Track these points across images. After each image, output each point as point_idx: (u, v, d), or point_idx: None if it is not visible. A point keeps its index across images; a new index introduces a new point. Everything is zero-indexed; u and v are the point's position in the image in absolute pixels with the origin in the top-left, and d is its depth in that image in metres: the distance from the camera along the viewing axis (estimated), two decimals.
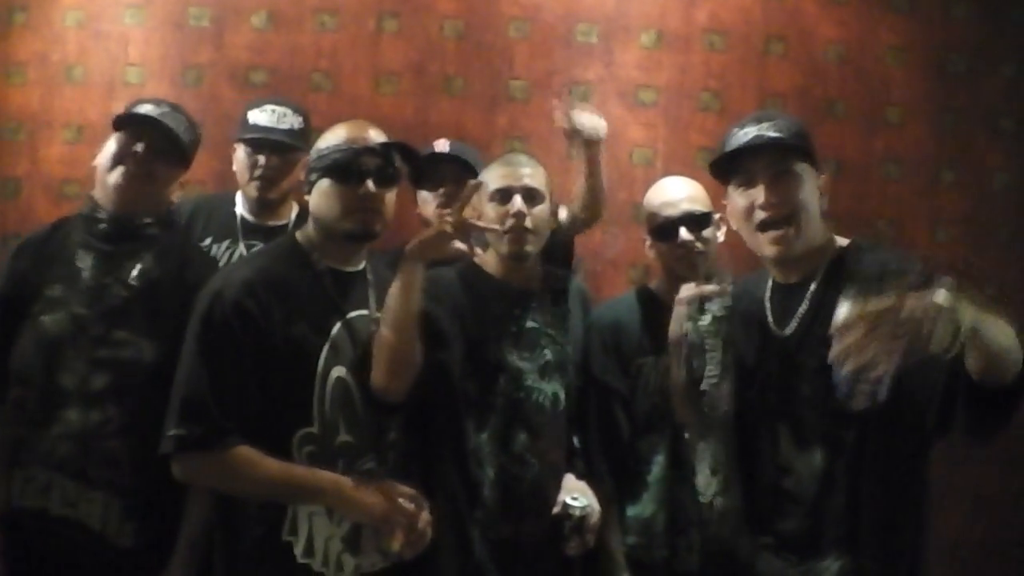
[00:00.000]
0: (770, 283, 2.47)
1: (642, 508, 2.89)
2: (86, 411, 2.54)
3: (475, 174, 3.17)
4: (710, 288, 2.36)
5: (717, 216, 2.92)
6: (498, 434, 2.71)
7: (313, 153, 2.47)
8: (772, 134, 2.33)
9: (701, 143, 4.25)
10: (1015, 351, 1.97)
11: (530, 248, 2.76)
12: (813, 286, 2.36)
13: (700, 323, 2.38)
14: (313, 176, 2.44)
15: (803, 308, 2.36)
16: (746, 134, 2.36)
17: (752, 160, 2.34)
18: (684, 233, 2.87)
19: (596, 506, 2.75)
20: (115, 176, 2.65)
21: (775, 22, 4.31)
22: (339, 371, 2.36)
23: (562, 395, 2.82)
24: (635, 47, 4.26)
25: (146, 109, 2.74)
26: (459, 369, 2.68)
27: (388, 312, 2.35)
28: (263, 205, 3.33)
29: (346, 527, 2.34)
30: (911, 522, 2.31)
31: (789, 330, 2.38)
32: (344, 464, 2.35)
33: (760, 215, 2.33)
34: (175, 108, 2.82)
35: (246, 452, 2.25)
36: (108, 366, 2.56)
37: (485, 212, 2.78)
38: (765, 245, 2.34)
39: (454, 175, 3.21)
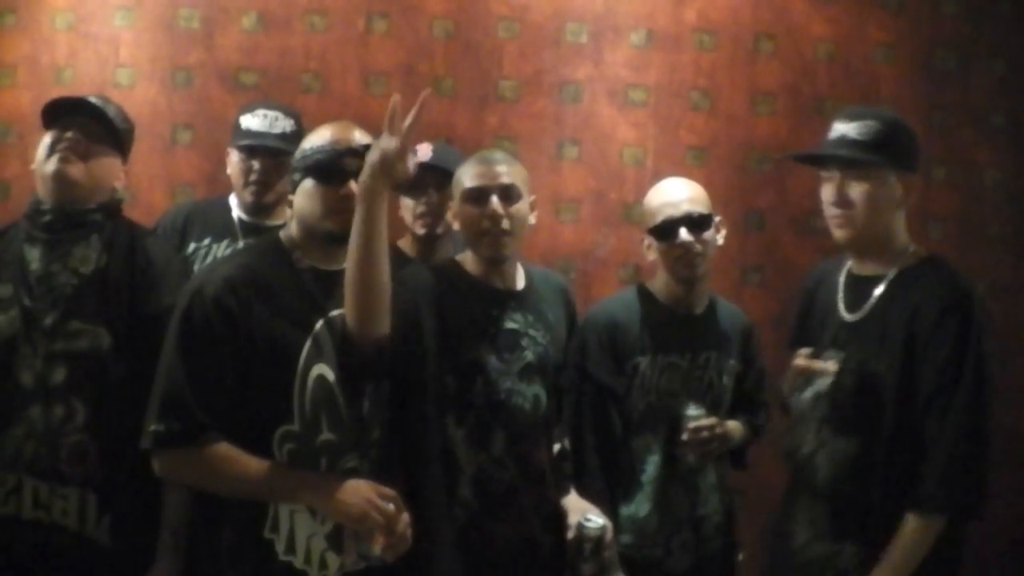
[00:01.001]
0: (846, 270, 2.69)
1: (636, 508, 2.88)
2: (49, 407, 2.51)
3: None
4: (819, 365, 2.56)
5: (717, 219, 2.93)
6: (475, 434, 2.69)
7: (297, 153, 2.47)
8: (854, 138, 2.52)
9: (691, 142, 4.26)
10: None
11: (508, 251, 2.73)
12: (882, 286, 2.56)
13: (804, 396, 2.59)
14: (296, 176, 2.44)
15: (870, 303, 2.56)
16: (835, 132, 2.57)
17: (830, 161, 2.56)
18: (684, 234, 2.85)
19: (609, 524, 2.73)
20: (50, 164, 2.61)
21: (764, 20, 4.32)
22: (320, 369, 2.35)
23: (544, 397, 2.79)
24: (624, 46, 4.27)
25: (65, 98, 2.72)
26: (437, 364, 2.66)
27: (352, 247, 2.30)
28: (259, 208, 3.33)
29: (329, 525, 2.32)
30: None
31: (855, 317, 2.59)
32: (327, 462, 2.34)
33: (830, 211, 2.57)
34: (104, 99, 2.78)
35: (225, 449, 2.24)
36: (65, 358, 2.52)
37: (461, 211, 2.75)
38: (833, 229, 2.58)
39: (436, 182, 3.17)
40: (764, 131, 4.29)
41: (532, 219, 2.81)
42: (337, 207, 2.37)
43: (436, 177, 3.14)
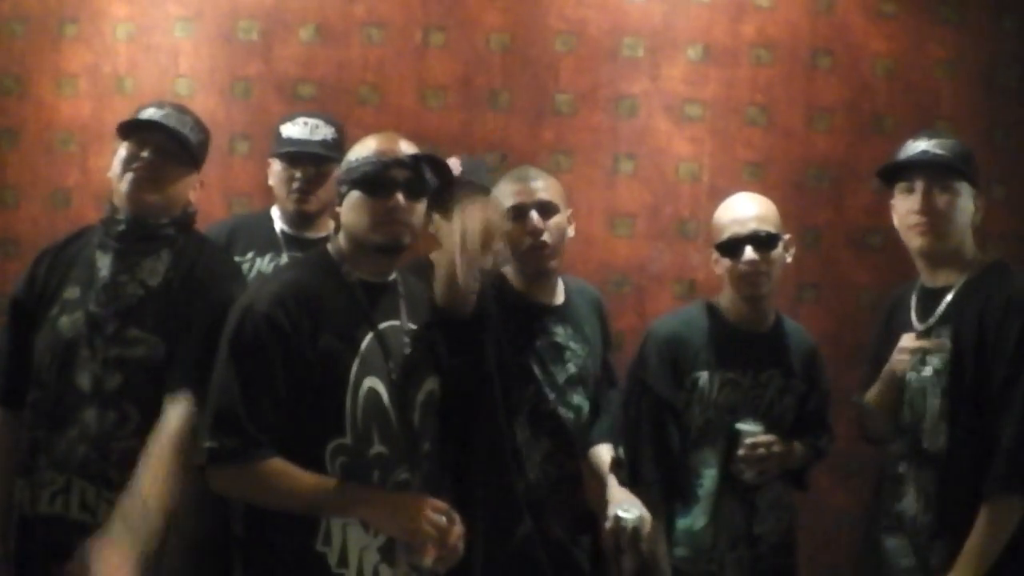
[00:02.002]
0: (918, 285, 2.83)
1: (692, 521, 2.89)
2: (103, 411, 2.55)
3: (485, 193, 3.19)
4: (932, 343, 2.68)
5: (786, 237, 2.92)
6: (522, 443, 2.80)
7: (343, 165, 2.47)
8: (937, 151, 2.72)
9: (748, 158, 4.23)
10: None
11: (551, 264, 2.84)
12: (952, 293, 2.71)
13: (923, 373, 2.70)
14: (343, 188, 2.43)
15: (941, 309, 2.71)
16: (915, 147, 2.76)
17: (915, 172, 2.74)
18: (749, 252, 2.86)
19: (647, 515, 2.77)
20: (125, 183, 2.66)
21: (822, 36, 4.28)
22: (371, 382, 2.36)
23: (585, 408, 2.93)
24: (682, 61, 4.25)
25: (148, 113, 2.75)
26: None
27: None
28: (302, 218, 3.34)
29: (382, 538, 2.34)
30: None
31: (927, 325, 2.73)
32: (379, 475, 2.35)
33: (913, 219, 2.73)
34: (179, 109, 2.82)
35: (279, 465, 2.25)
36: (122, 365, 2.56)
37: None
38: (913, 238, 2.75)
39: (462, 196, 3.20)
40: (821, 148, 4.25)
41: (571, 231, 2.89)
42: (384, 219, 2.38)
43: (464, 190, 3.17)
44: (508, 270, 2.92)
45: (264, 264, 3.31)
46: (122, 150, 2.71)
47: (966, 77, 4.32)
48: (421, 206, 2.45)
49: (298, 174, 3.28)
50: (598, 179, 4.14)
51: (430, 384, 2.49)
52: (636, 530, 2.72)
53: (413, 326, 2.48)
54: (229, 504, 2.52)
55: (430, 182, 2.46)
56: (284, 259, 3.31)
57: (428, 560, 2.30)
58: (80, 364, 2.57)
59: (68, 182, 4.20)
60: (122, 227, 2.67)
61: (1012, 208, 4.28)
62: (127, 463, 2.49)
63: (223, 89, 4.21)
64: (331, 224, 3.29)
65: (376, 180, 2.38)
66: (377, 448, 2.36)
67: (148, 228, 2.67)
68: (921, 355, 2.70)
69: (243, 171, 4.18)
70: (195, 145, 2.78)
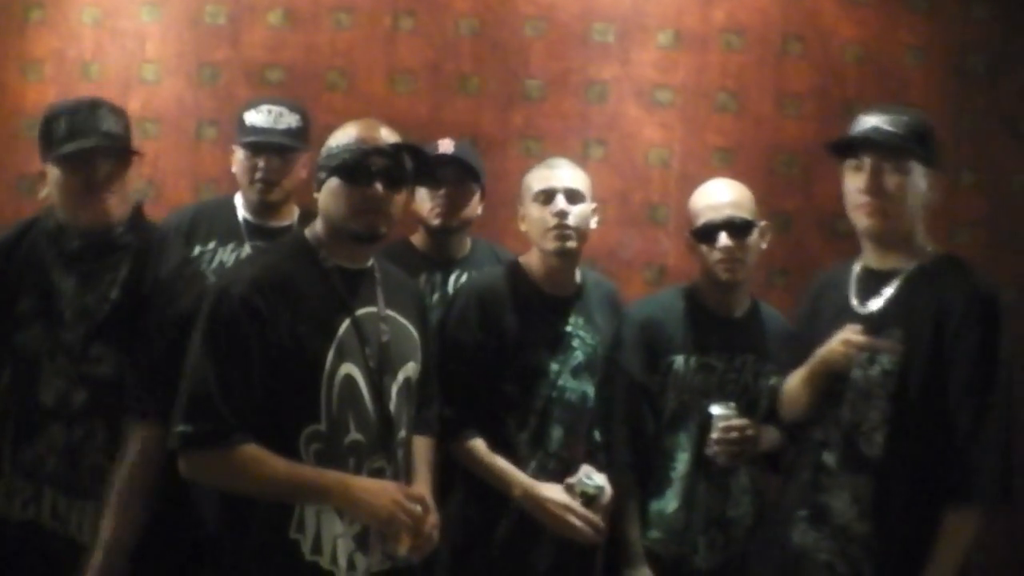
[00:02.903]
0: (858, 267, 2.67)
1: (665, 504, 2.91)
2: (69, 427, 2.51)
3: (477, 177, 3.20)
4: (884, 344, 2.49)
5: (762, 223, 2.94)
6: (535, 434, 2.87)
7: (323, 151, 2.45)
8: (888, 128, 2.54)
9: (718, 143, 4.23)
10: None
11: (572, 244, 2.88)
12: (901, 279, 2.55)
13: (870, 372, 2.52)
14: (322, 174, 2.42)
15: (890, 293, 2.55)
16: (866, 123, 2.58)
17: (864, 149, 2.56)
18: (724, 239, 2.87)
19: (609, 488, 2.81)
20: (86, 213, 2.54)
21: (793, 22, 4.28)
22: (347, 368, 2.34)
23: (591, 393, 2.95)
24: (652, 46, 4.24)
25: (67, 128, 2.53)
26: (497, 370, 2.85)
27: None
28: (265, 207, 3.30)
29: (357, 526, 2.33)
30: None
31: (870, 309, 2.57)
32: (354, 463, 2.34)
33: (859, 199, 2.56)
34: (93, 105, 2.59)
35: (252, 451, 2.23)
36: (87, 382, 2.51)
37: (528, 214, 2.93)
38: (860, 218, 2.58)
39: (456, 176, 3.20)
40: (791, 133, 4.26)
41: (594, 223, 2.92)
42: (363, 207, 2.36)
43: (455, 170, 3.19)
44: (527, 257, 2.98)
45: (226, 254, 3.28)
46: (63, 178, 2.55)
47: (936, 63, 4.33)
48: (400, 196, 2.44)
49: (261, 163, 3.23)
50: None
51: (406, 371, 2.48)
52: (593, 498, 2.76)
53: (390, 312, 2.47)
54: (200, 503, 2.54)
55: (410, 171, 2.44)
56: (247, 249, 3.28)
57: (403, 549, 2.29)
58: (44, 381, 2.52)
59: (34, 168, 4.11)
60: (76, 243, 2.57)
61: (980, 193, 4.30)
62: (98, 475, 2.49)
63: (190, 74, 4.19)
64: (295, 212, 3.33)
65: (356, 168, 2.36)
66: (353, 436, 2.35)
67: (107, 241, 2.57)
68: (870, 353, 2.53)
69: (210, 156, 4.15)
70: (126, 139, 2.63)
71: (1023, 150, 4.34)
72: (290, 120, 3.29)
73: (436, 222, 3.20)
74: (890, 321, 2.51)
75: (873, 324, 2.53)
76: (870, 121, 2.58)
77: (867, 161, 2.54)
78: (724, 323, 2.99)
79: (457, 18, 4.21)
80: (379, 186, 2.36)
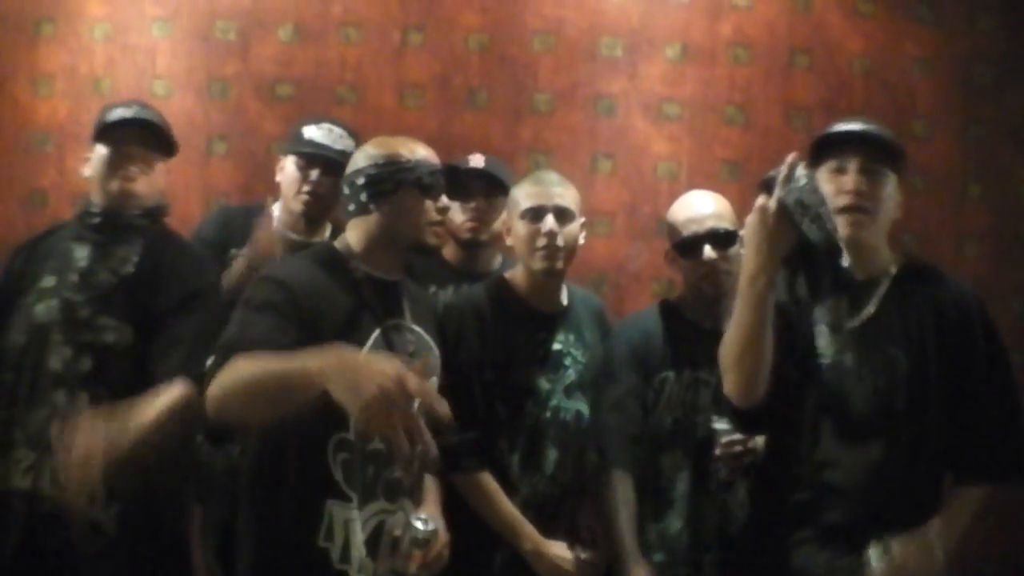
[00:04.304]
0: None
1: (668, 524, 2.85)
2: (73, 393, 2.65)
3: (505, 191, 3.20)
4: (788, 158, 2.27)
5: (743, 233, 2.90)
6: (529, 456, 2.79)
7: (380, 160, 2.46)
8: (875, 131, 2.48)
9: (725, 156, 4.24)
10: None
11: (560, 265, 2.82)
12: (884, 288, 2.48)
13: (796, 184, 2.25)
14: (387, 185, 2.44)
15: (872, 307, 2.46)
16: (849, 124, 2.51)
17: (849, 150, 2.46)
18: (709, 251, 2.83)
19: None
20: (114, 184, 2.82)
21: (800, 35, 4.30)
22: None
23: (585, 412, 2.89)
24: (660, 60, 4.26)
25: (119, 113, 2.86)
26: (487, 390, 2.76)
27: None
28: (306, 222, 3.29)
29: (369, 530, 2.34)
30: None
31: (854, 324, 2.47)
32: (373, 471, 2.36)
33: (843, 200, 2.41)
34: (143, 105, 2.98)
35: (242, 359, 2.15)
36: (92, 350, 2.67)
37: (515, 229, 2.84)
38: (841, 226, 2.38)
39: (484, 191, 3.23)
40: (799, 146, 4.12)
41: (582, 239, 2.88)
42: (434, 220, 2.47)
43: (485, 184, 3.21)
44: (513, 273, 2.93)
45: None
46: (103, 152, 2.84)
47: (942, 76, 4.34)
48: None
49: (313, 175, 3.24)
50: (576, 178, 4.03)
51: (430, 385, 2.49)
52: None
53: (416, 327, 2.51)
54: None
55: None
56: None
57: (413, 567, 2.30)
58: (52, 348, 2.68)
59: (45, 182, 4.19)
60: (96, 220, 2.81)
61: (987, 205, 4.31)
62: None
63: (200, 89, 4.21)
64: (327, 230, 3.33)
65: (438, 184, 2.47)
66: (375, 444, 2.36)
67: (123, 218, 2.80)
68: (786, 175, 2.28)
69: (220, 171, 4.17)
70: (169, 133, 2.93)
71: None
72: (347, 143, 3.29)
73: (467, 235, 3.23)
74: (885, 328, 2.46)
75: (869, 333, 2.46)
76: (851, 125, 2.51)
77: (854, 162, 2.44)
78: (712, 336, 2.79)
79: (466, 33, 4.23)
80: (445, 200, 2.48)
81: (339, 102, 4.19)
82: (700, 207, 2.92)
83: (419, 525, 2.39)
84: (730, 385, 2.42)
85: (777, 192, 2.24)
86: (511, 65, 4.23)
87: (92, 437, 2.40)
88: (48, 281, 2.75)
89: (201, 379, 2.36)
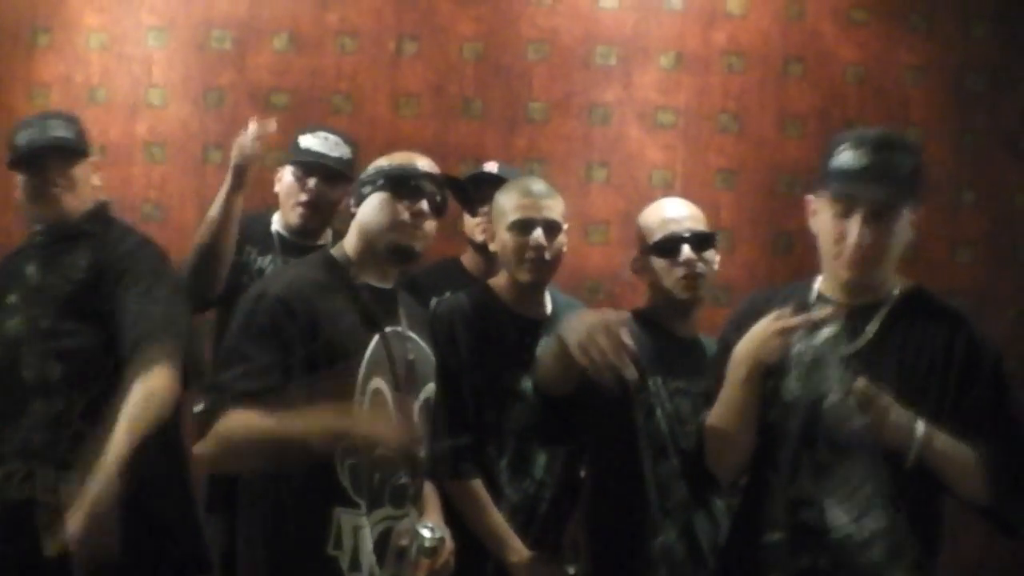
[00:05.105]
0: (816, 298, 2.40)
1: (665, 536, 2.74)
2: (49, 400, 2.68)
3: None
4: (823, 312, 2.26)
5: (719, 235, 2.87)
6: (518, 461, 2.77)
7: (371, 168, 2.49)
8: (887, 175, 2.22)
9: (720, 164, 4.26)
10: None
11: (546, 278, 2.83)
12: (881, 316, 2.32)
13: (815, 341, 2.26)
14: (367, 189, 2.45)
15: (872, 332, 2.31)
16: (859, 159, 2.24)
17: (858, 189, 2.23)
18: (687, 251, 2.73)
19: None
20: (33, 209, 2.86)
21: (794, 43, 4.32)
22: (377, 383, 2.36)
23: None
24: (654, 69, 4.27)
25: (26, 138, 2.85)
26: (476, 396, 2.74)
27: None
28: (305, 231, 3.32)
29: (376, 536, 2.33)
30: (938, 547, 2.38)
31: (856, 346, 2.31)
32: (379, 477, 2.35)
33: (846, 251, 2.25)
34: (44, 116, 2.98)
35: (244, 413, 2.19)
36: (60, 356, 2.69)
37: (502, 238, 2.81)
38: (842, 270, 2.28)
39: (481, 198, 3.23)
40: (793, 154, 4.28)
41: (565, 248, 2.86)
42: (408, 221, 2.41)
43: (496, 189, 3.19)
44: (497, 280, 2.91)
45: (265, 263, 3.33)
46: (21, 179, 2.87)
47: (936, 83, 4.36)
48: (435, 224, 2.48)
49: (310, 184, 3.26)
50: (571, 187, 4.14)
51: (427, 391, 2.52)
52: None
53: (412, 334, 2.51)
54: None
55: (446, 205, 2.51)
56: (279, 263, 3.30)
57: (421, 575, 2.31)
58: (24, 360, 2.71)
59: None
60: (39, 237, 2.86)
61: (981, 213, 4.33)
62: (81, 442, 2.57)
63: (196, 98, 4.22)
64: (328, 234, 3.35)
65: (407, 184, 2.42)
66: (380, 450, 2.34)
67: (65, 228, 2.82)
68: (807, 328, 2.26)
69: (216, 180, 4.10)
70: (73, 141, 2.89)
71: None
72: (343, 150, 3.32)
73: (481, 238, 3.24)
74: (882, 357, 2.30)
75: (863, 361, 2.29)
76: (863, 158, 2.24)
77: (861, 208, 2.22)
78: (689, 344, 2.84)
79: (460, 42, 4.24)
80: (425, 204, 2.41)
81: (334, 111, 4.20)
82: (676, 210, 2.84)
83: (426, 533, 2.39)
84: (717, 471, 2.49)
85: (797, 342, 2.25)
86: (506, 74, 4.25)
87: (85, 519, 2.37)
88: (11, 299, 2.79)
89: (170, 343, 2.54)
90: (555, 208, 2.81)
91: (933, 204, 4.28)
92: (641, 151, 4.24)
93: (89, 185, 2.90)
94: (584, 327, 2.17)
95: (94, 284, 2.73)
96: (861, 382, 2.19)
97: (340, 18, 4.23)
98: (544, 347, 2.58)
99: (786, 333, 2.26)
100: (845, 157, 2.27)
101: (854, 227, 2.22)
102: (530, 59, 4.25)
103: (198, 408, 2.28)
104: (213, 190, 4.13)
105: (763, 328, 2.29)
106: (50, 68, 4.22)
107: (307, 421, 2.19)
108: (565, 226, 2.85)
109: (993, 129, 4.35)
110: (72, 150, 2.87)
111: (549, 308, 2.91)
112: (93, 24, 4.22)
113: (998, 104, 4.36)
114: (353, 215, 2.49)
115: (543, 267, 2.77)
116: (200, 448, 2.26)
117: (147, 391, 2.48)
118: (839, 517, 2.29)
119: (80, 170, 2.87)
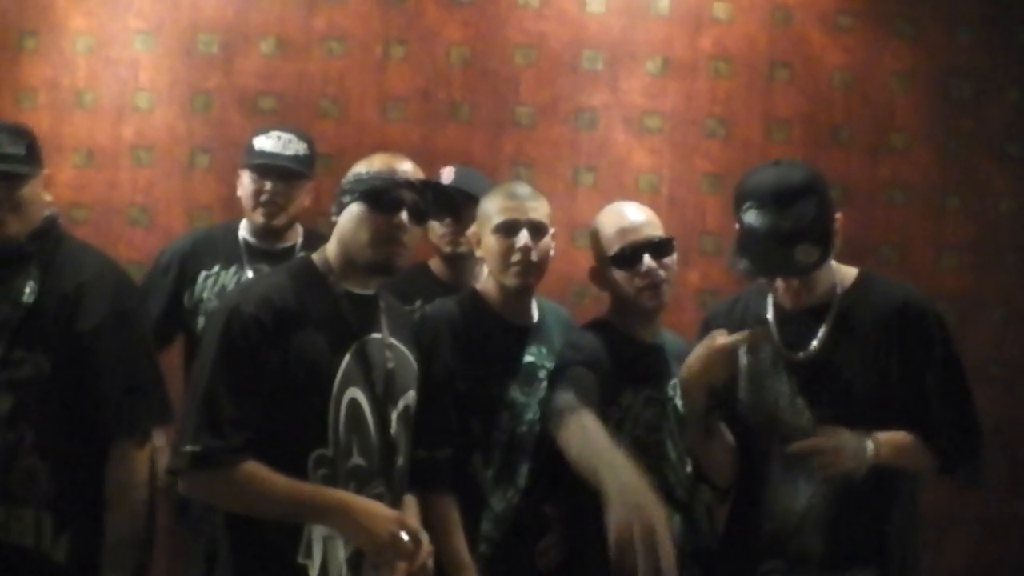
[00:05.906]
0: (773, 307, 2.58)
1: None
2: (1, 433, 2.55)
3: (478, 202, 3.19)
4: (760, 332, 2.49)
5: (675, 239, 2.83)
6: (503, 471, 2.73)
7: (350, 176, 2.46)
8: (789, 228, 2.36)
9: (706, 169, 4.26)
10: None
11: (533, 280, 2.79)
12: (831, 317, 2.48)
13: (761, 355, 2.50)
14: (346, 198, 2.41)
15: (822, 334, 2.47)
16: (758, 218, 2.40)
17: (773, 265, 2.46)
18: (648, 260, 2.70)
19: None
20: None
21: (780, 49, 4.33)
22: (353, 392, 2.35)
23: None
24: (641, 74, 4.28)
25: None
26: (462, 405, 2.70)
27: None
28: (269, 231, 3.36)
29: (350, 549, 2.32)
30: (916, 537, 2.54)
31: (804, 355, 2.48)
32: (355, 487, 2.33)
33: (786, 290, 2.54)
34: None
35: (255, 468, 2.22)
36: (10, 387, 2.55)
37: (487, 242, 2.80)
38: (782, 295, 2.55)
39: (454, 207, 3.21)
40: (779, 157, 4.27)
41: (552, 250, 2.84)
42: (385, 236, 2.37)
43: (454, 201, 3.18)
44: (484, 286, 2.89)
45: (228, 277, 3.33)
46: None
47: (921, 89, 4.38)
48: (418, 231, 2.46)
49: (268, 187, 3.31)
50: (558, 191, 4.15)
51: (407, 399, 2.50)
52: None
53: (393, 340, 2.49)
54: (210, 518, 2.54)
55: (431, 207, 2.48)
56: (248, 272, 3.34)
57: None
58: None
59: None
60: None
61: (966, 217, 4.34)
62: (29, 479, 2.55)
63: (183, 102, 4.21)
64: (299, 234, 3.37)
65: (384, 196, 2.38)
66: (355, 460, 2.34)
67: (8, 251, 2.61)
68: (756, 341, 2.48)
69: (203, 184, 4.18)
70: (21, 154, 2.65)
71: (1009, 174, 4.39)
72: (298, 147, 3.37)
73: (447, 250, 3.25)
74: (828, 362, 2.47)
75: (817, 366, 2.47)
76: (760, 217, 2.40)
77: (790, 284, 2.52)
78: (650, 351, 2.82)
79: (448, 46, 4.24)
80: (404, 216, 2.37)
81: (322, 115, 4.20)
82: (631, 217, 2.79)
83: (403, 535, 2.36)
84: (712, 480, 2.69)
85: (743, 357, 2.47)
86: (493, 79, 4.25)
87: None
88: None
89: (142, 411, 2.63)
90: (540, 210, 2.80)
91: (918, 209, 4.32)
92: (628, 155, 4.25)
93: (38, 203, 2.68)
94: (627, 511, 2.03)
95: (45, 309, 2.59)
96: (796, 445, 2.41)
97: (327, 22, 4.22)
98: (571, 438, 2.47)
99: (727, 352, 2.44)
100: (749, 213, 2.45)
101: (782, 284, 2.53)
102: (517, 64, 4.26)
103: (191, 449, 2.21)
104: (200, 194, 4.18)
105: (704, 350, 2.46)
106: (37, 72, 4.21)
107: (319, 502, 2.27)
108: (552, 229, 2.83)
109: (978, 134, 4.37)
110: (16, 174, 2.62)
111: (536, 315, 2.90)
112: (80, 28, 4.21)
113: (983, 109, 4.38)
114: (334, 223, 2.47)
115: (530, 269, 2.75)
116: (188, 484, 2.31)
117: (132, 512, 2.62)
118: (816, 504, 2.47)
119: (29, 190, 2.64)
